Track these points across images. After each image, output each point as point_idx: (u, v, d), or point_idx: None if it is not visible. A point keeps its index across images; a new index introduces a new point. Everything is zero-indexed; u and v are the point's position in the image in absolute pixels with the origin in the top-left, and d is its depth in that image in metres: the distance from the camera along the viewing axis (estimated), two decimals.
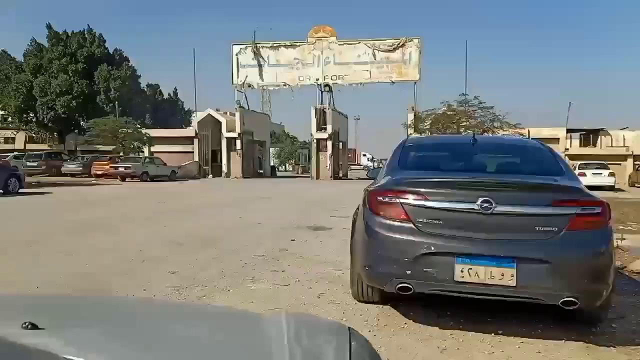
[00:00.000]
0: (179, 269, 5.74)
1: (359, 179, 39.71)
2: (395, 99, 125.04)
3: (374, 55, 35.60)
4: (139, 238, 7.90)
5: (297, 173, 48.88)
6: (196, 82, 67.69)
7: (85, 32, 42.86)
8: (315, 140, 35.67)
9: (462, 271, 3.43)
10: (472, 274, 3.41)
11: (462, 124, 29.06)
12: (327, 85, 36.66)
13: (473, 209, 3.51)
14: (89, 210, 12.42)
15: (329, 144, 35.17)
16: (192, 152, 37.63)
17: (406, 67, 35.37)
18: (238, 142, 36.27)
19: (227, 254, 6.70)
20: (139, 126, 35.33)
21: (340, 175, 38.07)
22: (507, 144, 5.40)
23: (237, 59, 37.52)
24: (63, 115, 39.58)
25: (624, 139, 37.90)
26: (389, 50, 35.38)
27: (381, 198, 3.83)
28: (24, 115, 42.01)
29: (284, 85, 37.11)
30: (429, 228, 3.59)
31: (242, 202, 15.33)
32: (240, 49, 37.53)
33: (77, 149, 40.22)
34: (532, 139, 7.01)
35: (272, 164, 46.74)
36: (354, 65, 35.95)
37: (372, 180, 4.69)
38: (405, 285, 3.57)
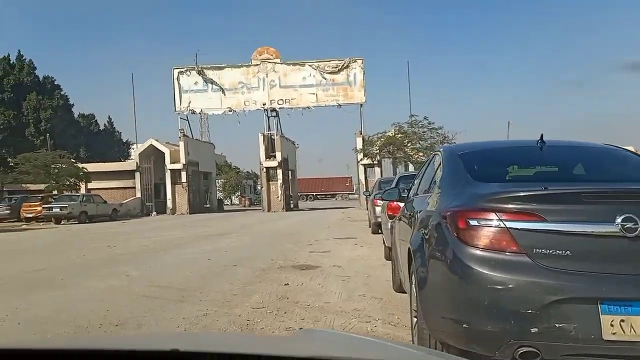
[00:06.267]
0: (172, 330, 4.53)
1: (311, 209, 38.96)
2: (333, 123, 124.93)
3: (320, 78, 35.27)
4: (99, 293, 6.54)
5: (245, 206, 47.25)
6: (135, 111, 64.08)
7: (12, 57, 39.35)
8: (264, 169, 34.54)
9: (612, 324, 2.45)
10: (627, 328, 2.45)
11: (413, 147, 29.00)
12: (273, 109, 35.82)
13: (611, 231, 2.57)
14: (25, 261, 10.72)
15: (279, 172, 34.15)
16: (134, 187, 35.29)
17: (352, 89, 35.26)
18: (183, 174, 34.44)
19: (218, 308, 5.54)
20: (74, 160, 32.70)
21: (292, 206, 37.00)
22: (584, 147, 4.32)
23: (179, 83, 36.01)
24: None
25: None
26: (334, 72, 35.21)
27: (474, 220, 2.77)
28: None
29: (229, 110, 35.85)
30: (552, 262, 2.60)
31: (201, 241, 14.00)
32: (182, 72, 36.04)
33: (4, 189, 36.51)
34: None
35: (218, 197, 44.91)
36: (300, 88, 35.45)
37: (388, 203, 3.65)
38: (531, 349, 2.53)
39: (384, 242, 9.01)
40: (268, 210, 33.38)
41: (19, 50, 40.80)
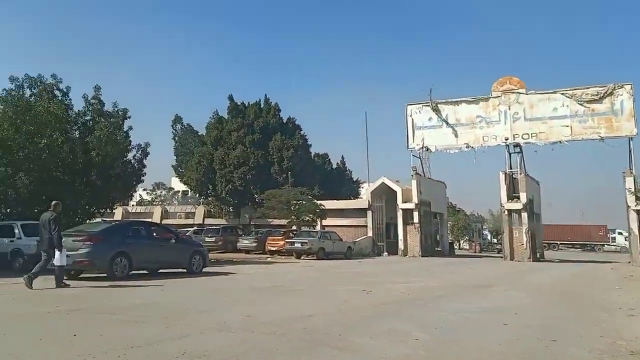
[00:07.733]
0: None
1: (561, 260, 33.42)
2: (567, 160, 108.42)
3: (575, 107, 30.58)
4: None
5: (475, 251, 43.32)
6: (368, 148, 65.93)
7: (262, 102, 43.67)
8: (506, 212, 30.74)
9: None
10: None
11: None
12: (517, 145, 32.07)
13: None
14: (289, 299, 9.87)
15: (524, 216, 29.92)
16: (365, 225, 34.90)
17: (617, 119, 29.66)
18: (415, 214, 32.76)
19: None
20: (312, 197, 33.90)
21: (538, 255, 32.06)
22: None
23: (412, 120, 34.94)
24: (239, 188, 39.98)
25: None
26: (594, 100, 30.04)
27: None
28: (204, 189, 43.27)
29: (467, 147, 33.30)
30: None
31: (464, 293, 11.68)
32: (415, 109, 35.00)
33: (251, 223, 39.94)
34: None
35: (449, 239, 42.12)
36: (549, 120, 31.21)
37: None
38: None
39: None
40: (511, 259, 29.33)
41: (265, 95, 45.60)
